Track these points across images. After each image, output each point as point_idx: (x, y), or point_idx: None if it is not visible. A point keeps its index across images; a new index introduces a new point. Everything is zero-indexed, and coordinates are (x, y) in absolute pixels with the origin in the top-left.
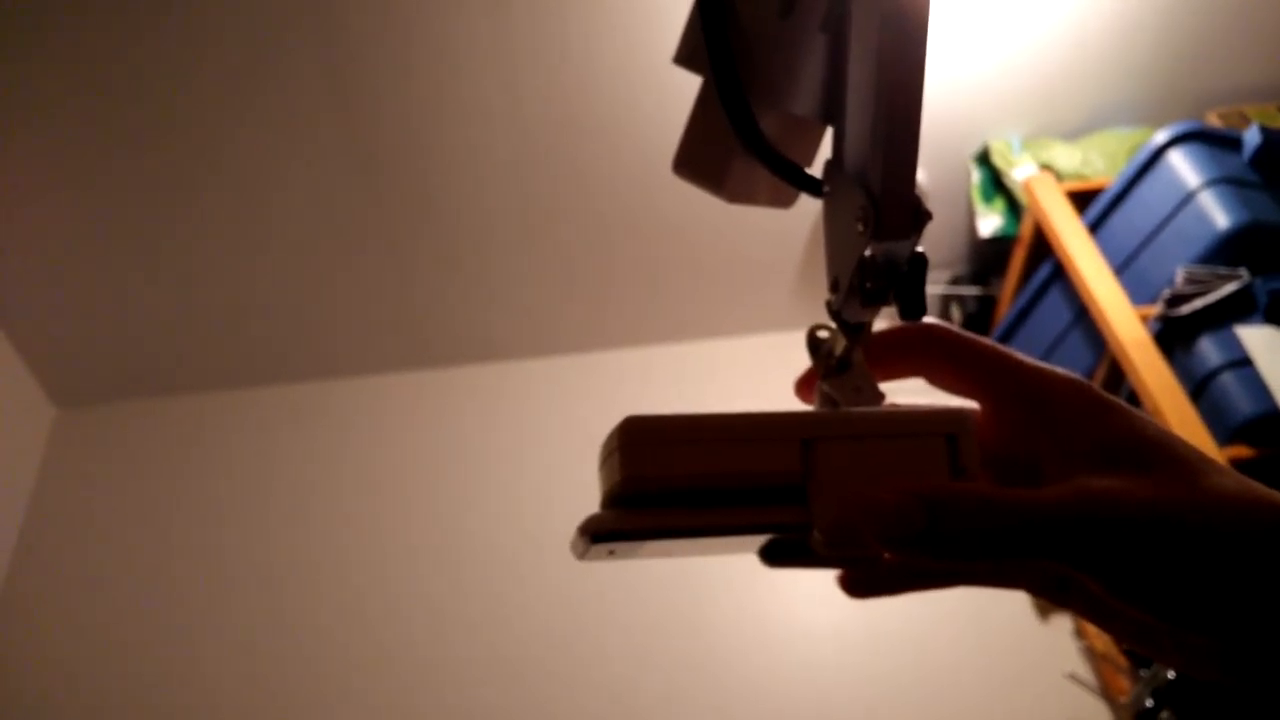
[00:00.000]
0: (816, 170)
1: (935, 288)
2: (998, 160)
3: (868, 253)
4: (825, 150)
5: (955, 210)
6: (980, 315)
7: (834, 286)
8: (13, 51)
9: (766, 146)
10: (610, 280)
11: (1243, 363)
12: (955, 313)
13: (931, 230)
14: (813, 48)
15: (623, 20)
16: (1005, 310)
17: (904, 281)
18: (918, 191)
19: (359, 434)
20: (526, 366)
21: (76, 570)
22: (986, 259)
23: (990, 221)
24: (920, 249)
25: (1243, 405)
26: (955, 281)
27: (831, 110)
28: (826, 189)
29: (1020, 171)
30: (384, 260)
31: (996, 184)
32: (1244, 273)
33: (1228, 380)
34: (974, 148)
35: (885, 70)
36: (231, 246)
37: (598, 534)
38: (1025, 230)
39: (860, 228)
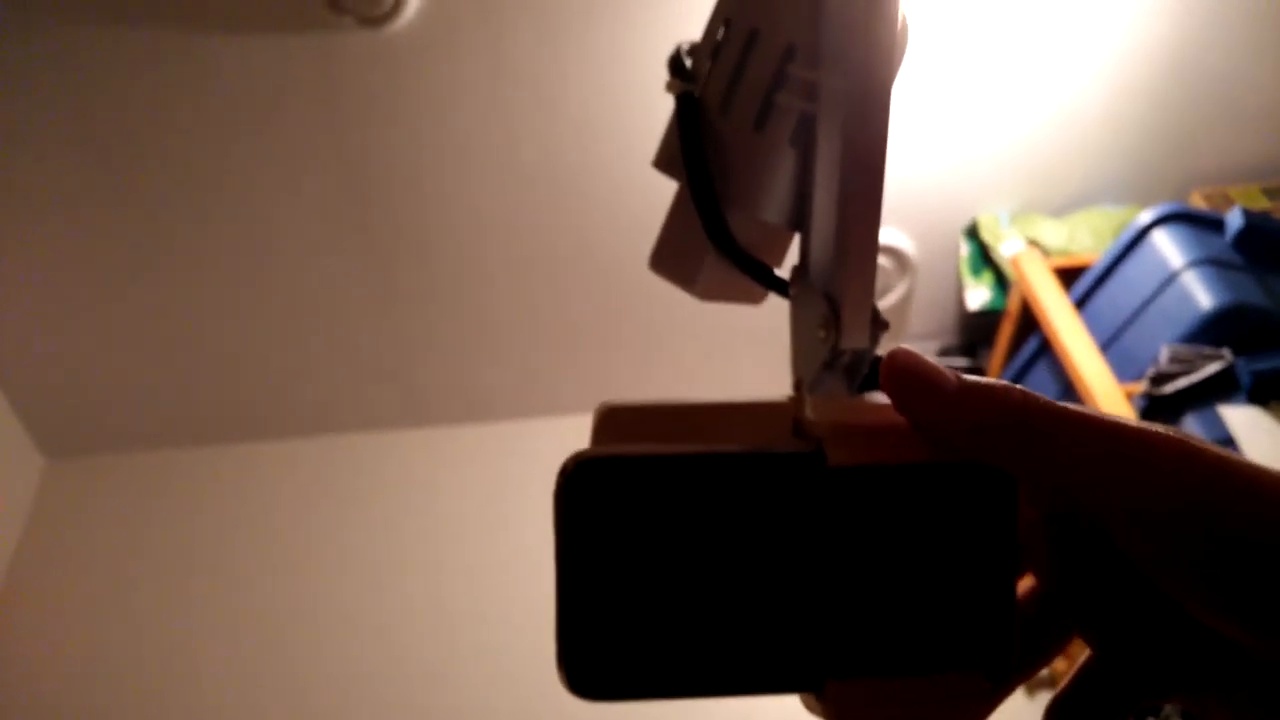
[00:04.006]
0: (787, 270)
1: None
2: (986, 235)
3: (829, 358)
4: (794, 253)
5: (944, 282)
6: None
7: (797, 386)
8: (6, 101)
9: (737, 248)
10: (605, 343)
11: (1226, 443)
12: None
13: (921, 301)
14: (783, 160)
15: (619, 78)
16: None
17: (864, 387)
18: (907, 262)
19: (350, 491)
20: (521, 427)
21: (61, 622)
22: (975, 330)
23: (978, 294)
24: (880, 354)
25: None
26: (944, 353)
27: (799, 219)
28: (793, 292)
29: (1008, 246)
30: (379, 318)
31: (985, 258)
32: (1227, 353)
33: None
34: (963, 221)
35: (847, 189)
36: (225, 301)
37: None
38: (1013, 304)
39: (822, 334)
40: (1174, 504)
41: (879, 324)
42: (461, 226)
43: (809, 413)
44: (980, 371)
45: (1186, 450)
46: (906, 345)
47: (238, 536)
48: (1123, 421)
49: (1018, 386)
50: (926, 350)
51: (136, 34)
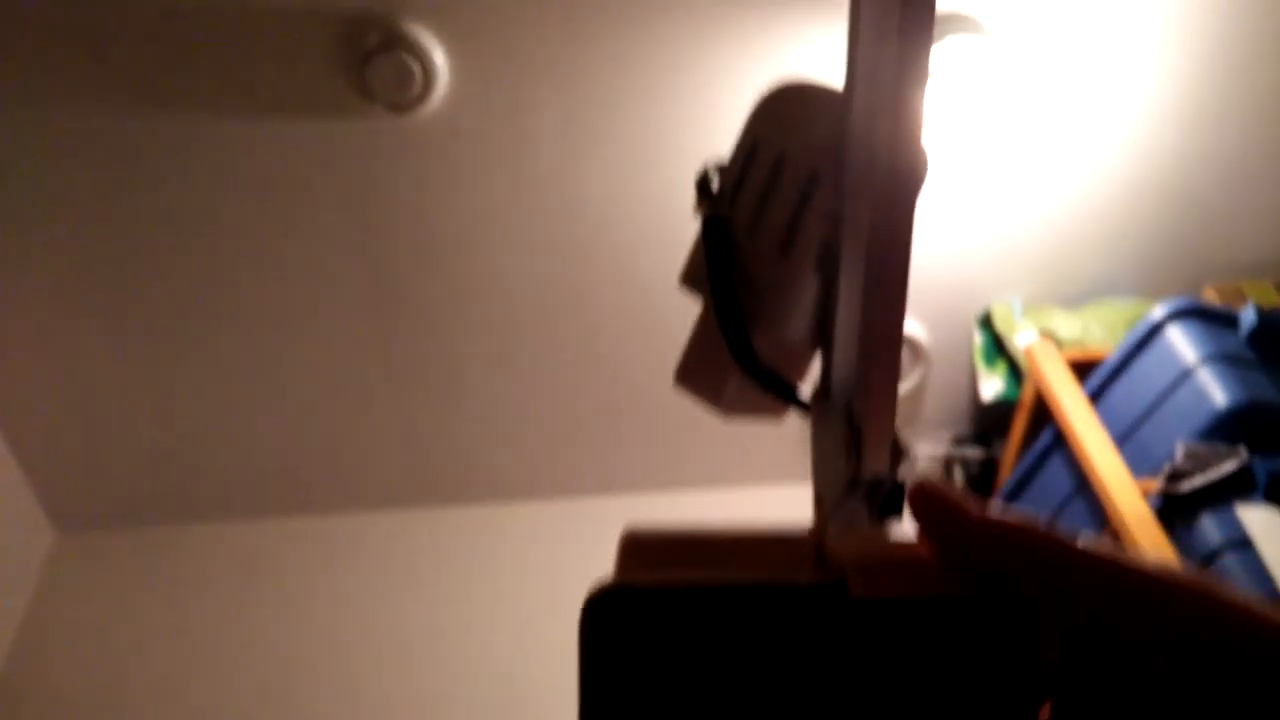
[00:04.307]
0: (809, 384)
1: (938, 448)
2: (1000, 325)
3: (850, 482)
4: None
5: (958, 370)
6: (983, 477)
7: (818, 504)
8: (35, 180)
9: (760, 368)
10: (616, 428)
11: (1244, 543)
12: (958, 473)
13: (934, 389)
14: (807, 284)
15: (640, 165)
16: (1008, 473)
17: (884, 509)
18: (921, 351)
19: (362, 569)
20: (532, 509)
21: (66, 693)
22: (989, 419)
23: (992, 385)
24: (900, 478)
25: (1247, 589)
26: (958, 442)
27: (821, 339)
28: (814, 413)
29: (1022, 337)
30: (394, 398)
31: (998, 348)
32: (1243, 451)
33: (1230, 562)
34: (977, 310)
35: (869, 318)
36: (243, 380)
37: None
38: (1027, 396)
39: (844, 458)
40: (1189, 640)
41: (900, 450)
42: (481, 309)
43: (831, 543)
44: (994, 463)
45: (1204, 590)
46: (926, 449)
47: (247, 613)
48: (1142, 562)
49: (1040, 522)
50: (941, 439)
51: (167, 116)
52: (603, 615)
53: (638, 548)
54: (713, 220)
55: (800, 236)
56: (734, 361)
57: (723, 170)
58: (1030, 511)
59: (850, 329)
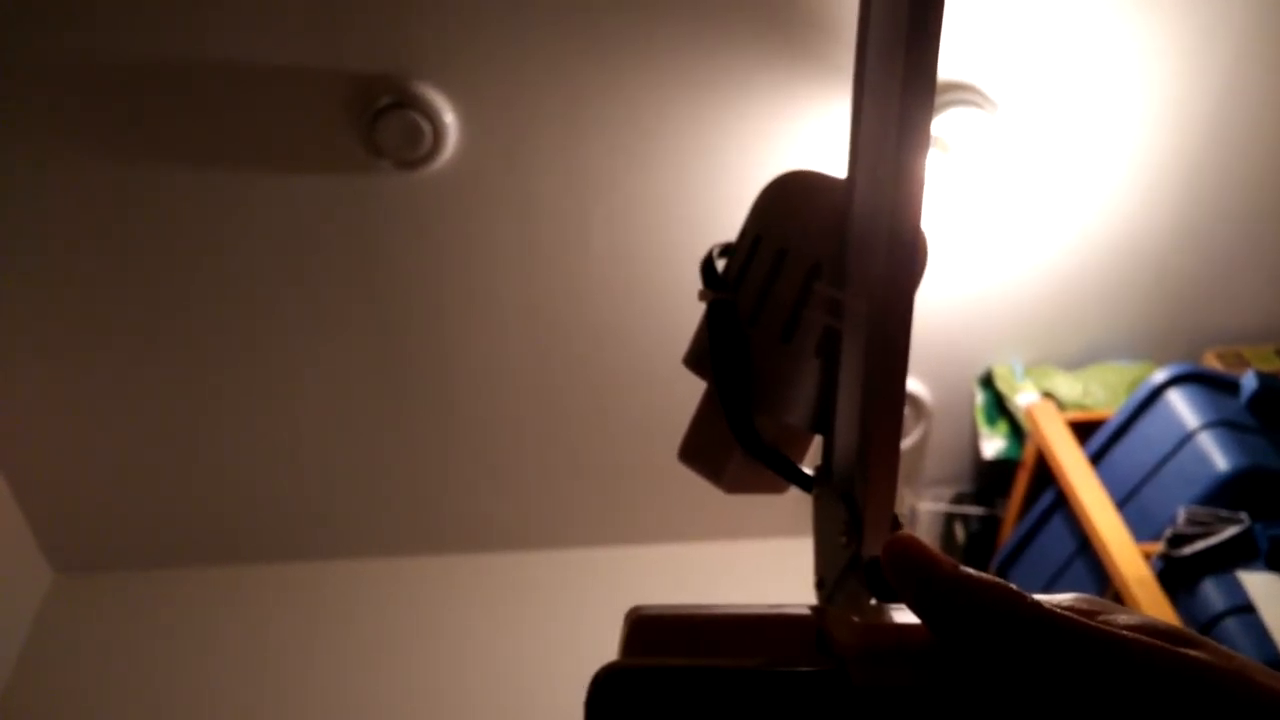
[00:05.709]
0: (810, 462)
1: (939, 506)
2: (1001, 385)
3: (849, 563)
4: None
5: (960, 428)
6: (984, 535)
7: (820, 584)
8: (41, 224)
9: (763, 447)
10: (619, 479)
11: (1246, 608)
12: (959, 531)
13: (936, 447)
14: (808, 369)
15: (643, 236)
16: (1009, 532)
17: (883, 591)
18: (923, 408)
19: (363, 616)
20: (538, 558)
21: None
22: (990, 478)
23: (994, 444)
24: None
25: (1249, 655)
26: (959, 500)
27: (822, 424)
28: (815, 491)
29: (1023, 397)
30: (398, 446)
31: (1000, 407)
32: (1244, 517)
33: (1232, 627)
34: (978, 370)
35: (869, 404)
36: (246, 425)
37: None
38: (1028, 455)
39: (844, 540)
40: (1145, 709)
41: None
42: (485, 361)
43: (832, 626)
44: (996, 521)
45: (1153, 654)
46: (922, 502)
47: (242, 659)
48: (1094, 625)
49: (1009, 585)
50: (942, 497)
51: (179, 166)
52: (609, 697)
53: (643, 629)
54: (717, 304)
55: (802, 324)
56: (736, 441)
57: (728, 254)
58: (998, 577)
59: (851, 414)
